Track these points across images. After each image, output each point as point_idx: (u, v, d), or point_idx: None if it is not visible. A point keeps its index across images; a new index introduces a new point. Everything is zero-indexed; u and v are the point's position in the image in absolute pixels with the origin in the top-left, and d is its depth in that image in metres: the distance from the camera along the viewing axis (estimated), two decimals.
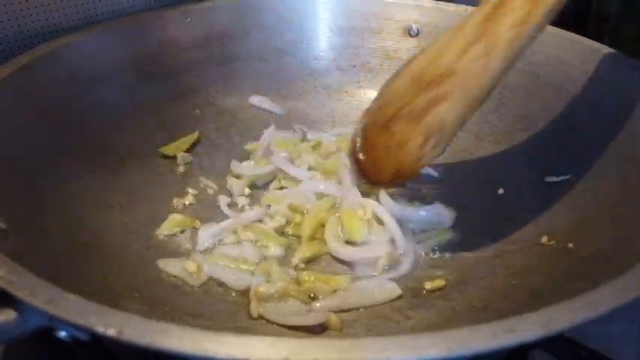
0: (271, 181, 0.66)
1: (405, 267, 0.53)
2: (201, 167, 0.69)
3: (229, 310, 0.49)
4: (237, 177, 0.66)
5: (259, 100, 0.79)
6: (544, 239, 0.53)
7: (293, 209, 0.60)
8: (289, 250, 0.56)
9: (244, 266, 0.53)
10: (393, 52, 0.80)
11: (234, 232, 0.57)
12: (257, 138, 0.71)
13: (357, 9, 0.80)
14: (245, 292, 0.50)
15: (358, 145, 0.54)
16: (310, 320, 0.47)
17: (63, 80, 0.62)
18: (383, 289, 0.51)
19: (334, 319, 0.47)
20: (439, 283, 0.51)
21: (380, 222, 0.56)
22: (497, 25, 0.45)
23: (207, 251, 0.55)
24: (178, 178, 0.66)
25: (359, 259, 0.54)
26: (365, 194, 0.58)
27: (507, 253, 0.54)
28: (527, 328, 0.28)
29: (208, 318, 0.48)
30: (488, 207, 0.61)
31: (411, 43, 0.78)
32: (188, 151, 0.70)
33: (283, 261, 0.55)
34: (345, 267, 0.55)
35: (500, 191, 0.62)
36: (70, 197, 0.55)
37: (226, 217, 0.60)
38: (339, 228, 0.56)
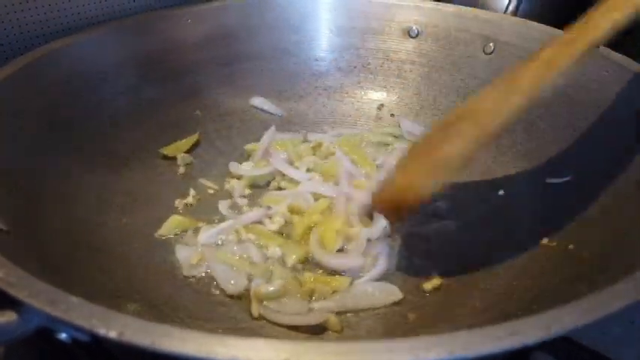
0: (270, 183, 0.66)
1: (380, 267, 0.53)
2: (201, 168, 0.69)
3: (230, 310, 0.49)
4: (237, 178, 0.66)
5: (260, 101, 0.79)
6: (545, 241, 0.53)
7: (292, 210, 0.60)
8: (287, 250, 0.56)
9: (244, 266, 0.53)
10: (393, 53, 0.80)
11: (234, 232, 0.57)
12: (257, 139, 0.71)
13: (357, 10, 0.80)
14: (244, 293, 0.50)
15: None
16: (310, 320, 0.47)
17: (64, 80, 0.62)
18: (383, 291, 0.51)
19: (334, 320, 0.47)
20: (436, 282, 0.51)
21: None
22: (523, 69, 0.45)
23: (208, 249, 0.55)
24: (179, 179, 0.67)
25: (336, 265, 0.53)
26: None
27: (508, 254, 0.54)
28: (529, 331, 0.28)
29: (209, 319, 0.48)
30: (488, 208, 0.61)
31: (411, 44, 0.78)
32: (188, 151, 0.70)
33: (282, 261, 0.54)
34: None
35: (501, 192, 0.63)
36: (70, 197, 0.55)
37: (226, 218, 0.60)
38: (318, 238, 0.56)
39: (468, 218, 0.60)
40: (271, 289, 0.49)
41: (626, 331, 0.50)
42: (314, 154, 0.70)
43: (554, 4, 0.89)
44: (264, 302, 0.49)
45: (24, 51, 0.61)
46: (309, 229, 0.57)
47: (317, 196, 0.62)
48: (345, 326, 0.48)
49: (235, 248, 0.55)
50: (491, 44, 0.73)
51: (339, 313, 0.49)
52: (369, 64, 0.81)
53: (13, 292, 0.31)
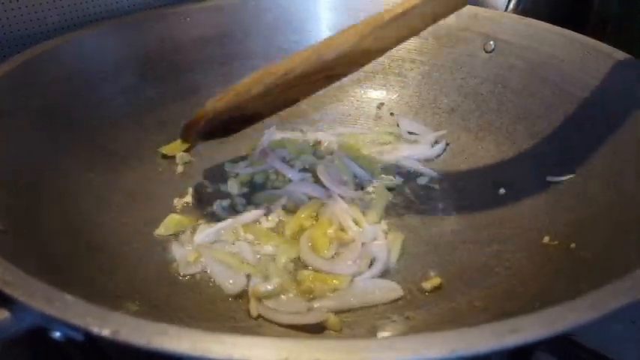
0: (267, 182, 0.66)
1: (379, 266, 0.53)
2: (200, 167, 0.68)
3: (228, 309, 0.49)
4: (235, 177, 0.66)
5: None
6: (546, 239, 0.52)
7: (287, 210, 0.60)
8: (283, 250, 0.55)
9: (242, 265, 0.53)
10: (392, 52, 0.79)
11: (232, 231, 0.57)
12: (257, 138, 0.71)
13: (357, 9, 0.80)
14: (243, 292, 0.50)
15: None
16: (309, 319, 0.47)
17: (63, 80, 0.62)
18: (383, 289, 0.50)
19: (333, 319, 0.47)
20: (436, 281, 0.51)
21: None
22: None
23: (205, 248, 0.55)
24: (177, 178, 0.66)
25: (328, 270, 0.53)
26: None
27: (509, 253, 0.53)
28: (531, 328, 0.27)
29: (208, 318, 0.47)
30: (489, 207, 0.61)
31: (411, 43, 0.78)
32: (187, 151, 0.69)
33: (279, 260, 0.54)
34: None
35: (502, 191, 0.62)
36: (70, 197, 0.55)
37: (224, 217, 0.59)
38: (309, 243, 0.55)
39: (469, 217, 0.59)
40: (269, 287, 0.49)
41: (627, 331, 0.50)
42: (313, 154, 0.70)
43: (555, 2, 0.88)
44: (263, 301, 0.49)
45: (23, 50, 0.61)
46: (301, 230, 0.57)
47: (312, 196, 0.62)
48: (345, 326, 0.47)
49: (232, 247, 0.55)
50: (491, 42, 0.72)
51: (338, 313, 0.48)
52: None
53: (7, 290, 0.30)
